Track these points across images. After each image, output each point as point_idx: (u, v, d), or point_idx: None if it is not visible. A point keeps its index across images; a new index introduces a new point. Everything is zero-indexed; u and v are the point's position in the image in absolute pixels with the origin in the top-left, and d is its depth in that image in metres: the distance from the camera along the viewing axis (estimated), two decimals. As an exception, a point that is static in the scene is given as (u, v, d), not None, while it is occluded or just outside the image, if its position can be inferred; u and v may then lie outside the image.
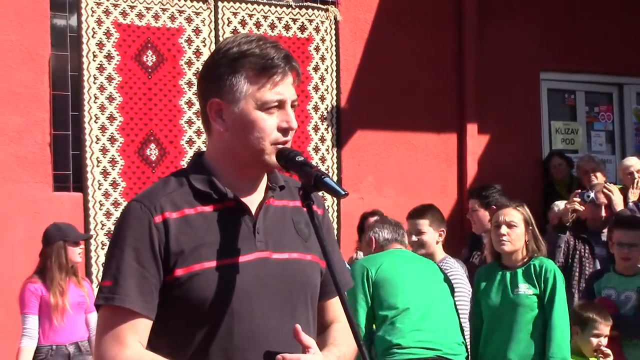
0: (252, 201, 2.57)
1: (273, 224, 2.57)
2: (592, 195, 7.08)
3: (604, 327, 5.64)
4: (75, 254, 7.00)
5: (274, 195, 2.61)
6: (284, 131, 2.52)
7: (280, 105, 2.52)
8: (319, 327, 2.69)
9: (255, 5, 8.92)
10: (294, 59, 2.57)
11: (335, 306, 2.70)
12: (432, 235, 6.32)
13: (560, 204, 8.36)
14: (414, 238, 6.30)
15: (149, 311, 2.45)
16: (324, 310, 2.70)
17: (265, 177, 2.62)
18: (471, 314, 5.74)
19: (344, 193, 2.43)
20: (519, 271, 5.46)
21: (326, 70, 9.15)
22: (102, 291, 2.46)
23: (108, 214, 8.21)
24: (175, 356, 2.45)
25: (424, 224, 6.32)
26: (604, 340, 5.65)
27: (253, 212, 2.56)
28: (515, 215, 5.51)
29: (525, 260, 5.50)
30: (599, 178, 8.50)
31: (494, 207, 6.21)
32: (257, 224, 2.54)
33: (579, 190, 7.21)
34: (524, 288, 5.41)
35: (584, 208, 7.09)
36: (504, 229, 5.48)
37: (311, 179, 2.44)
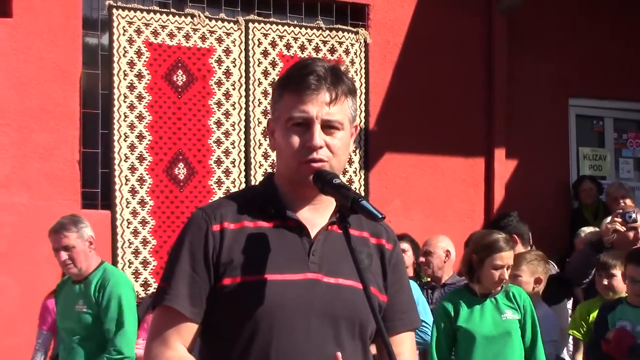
0: (315, 224, 2.58)
1: (331, 250, 2.56)
2: (634, 215, 6.95)
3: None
4: None
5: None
6: (309, 150, 2.52)
7: (307, 123, 2.52)
8: None
9: (286, 27, 8.95)
10: (335, 77, 2.55)
11: (398, 343, 2.62)
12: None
13: (587, 230, 8.32)
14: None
15: (196, 315, 2.51)
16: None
17: (334, 203, 2.59)
18: (438, 343, 5.49)
19: (380, 216, 2.41)
20: (499, 297, 5.47)
21: (355, 92, 9.14)
22: (156, 292, 2.57)
23: (135, 232, 8.22)
24: None
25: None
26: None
27: (313, 234, 2.56)
28: (511, 258, 5.51)
29: (500, 287, 5.49)
30: (627, 205, 8.45)
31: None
32: (313, 246, 2.54)
33: (621, 211, 7.11)
34: (510, 314, 5.43)
35: (624, 228, 6.99)
36: (505, 274, 5.44)
37: (348, 202, 2.43)
